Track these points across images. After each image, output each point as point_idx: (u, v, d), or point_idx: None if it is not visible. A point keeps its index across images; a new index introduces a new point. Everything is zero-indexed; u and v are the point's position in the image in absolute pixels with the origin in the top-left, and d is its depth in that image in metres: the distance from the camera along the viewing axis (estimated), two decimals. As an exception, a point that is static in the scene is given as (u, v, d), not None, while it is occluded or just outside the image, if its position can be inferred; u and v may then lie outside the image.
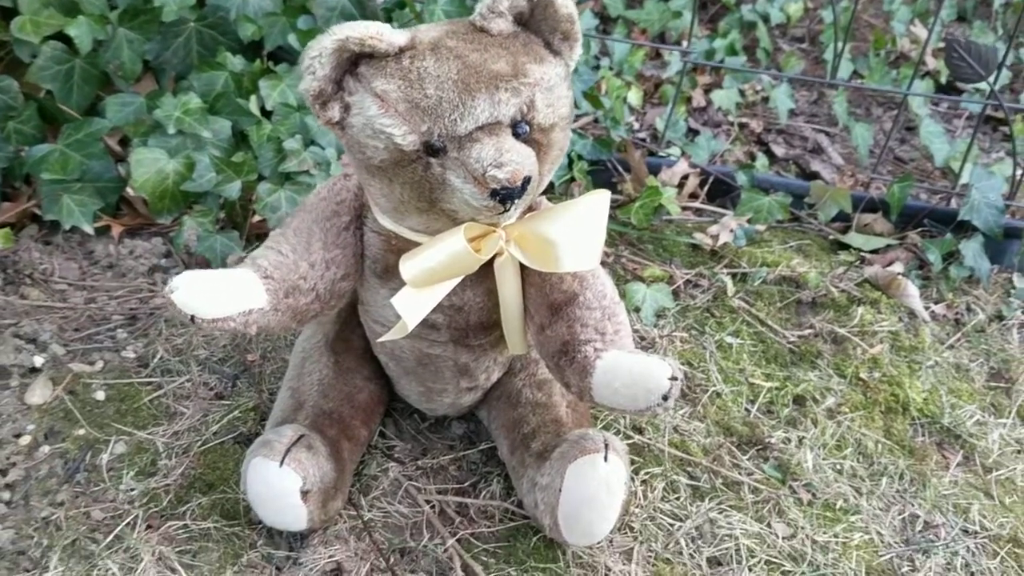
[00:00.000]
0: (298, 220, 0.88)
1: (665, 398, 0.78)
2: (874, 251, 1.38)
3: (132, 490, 0.97)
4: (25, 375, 1.09)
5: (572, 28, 0.80)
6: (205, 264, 1.25)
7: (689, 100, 1.83)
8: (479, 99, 0.75)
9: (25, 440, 1.02)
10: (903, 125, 1.87)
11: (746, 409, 1.13)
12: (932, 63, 1.99)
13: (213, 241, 1.24)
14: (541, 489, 0.92)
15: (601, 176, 1.46)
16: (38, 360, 1.11)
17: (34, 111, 1.35)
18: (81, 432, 1.03)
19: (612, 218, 1.38)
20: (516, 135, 0.78)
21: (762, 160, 1.53)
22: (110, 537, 0.92)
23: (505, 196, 0.76)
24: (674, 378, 0.78)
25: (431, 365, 0.97)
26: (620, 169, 1.45)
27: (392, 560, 0.93)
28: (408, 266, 0.81)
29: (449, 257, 0.80)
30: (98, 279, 1.25)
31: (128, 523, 0.93)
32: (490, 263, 0.86)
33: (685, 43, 1.56)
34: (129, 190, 1.30)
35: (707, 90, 1.86)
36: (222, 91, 1.38)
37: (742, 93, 1.77)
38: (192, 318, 0.76)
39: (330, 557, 0.92)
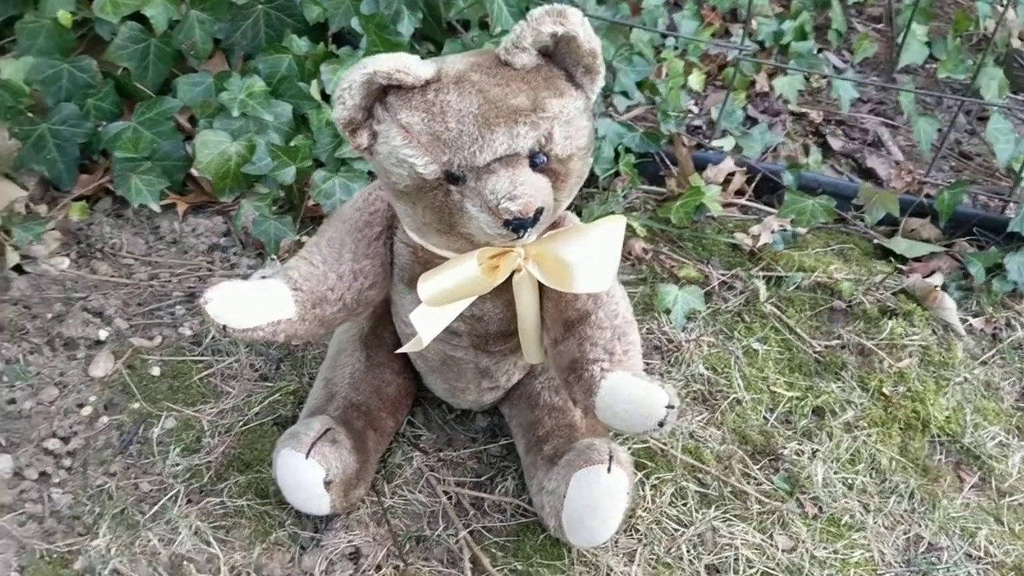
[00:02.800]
0: (332, 230, 0.94)
1: (661, 424, 0.82)
2: (918, 258, 1.37)
3: (177, 465, 1.06)
4: (91, 347, 1.19)
5: (594, 63, 0.82)
6: (260, 247, 1.32)
7: (752, 84, 1.82)
8: (498, 133, 0.79)
9: (87, 411, 1.11)
10: (976, 116, 1.81)
11: (764, 418, 1.15)
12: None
13: (268, 225, 1.31)
14: (548, 493, 0.97)
15: (648, 169, 1.47)
16: (103, 333, 1.20)
17: (112, 88, 1.43)
18: (136, 406, 1.12)
19: (653, 215, 1.40)
20: (534, 165, 0.82)
21: (815, 156, 1.52)
22: (154, 509, 1.01)
23: (517, 226, 0.80)
24: (671, 406, 0.82)
25: (454, 366, 1.02)
26: (668, 162, 1.46)
27: (407, 547, 1.00)
28: (424, 287, 0.86)
29: (463, 280, 0.85)
30: (162, 255, 1.33)
31: (171, 496, 1.02)
32: (509, 277, 0.90)
33: (740, 36, 1.54)
34: (194, 170, 1.37)
35: (771, 75, 1.83)
36: (285, 74, 1.44)
37: (807, 79, 1.74)
38: (224, 328, 0.83)
39: (349, 541, 0.99)
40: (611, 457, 0.93)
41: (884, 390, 1.18)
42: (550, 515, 0.97)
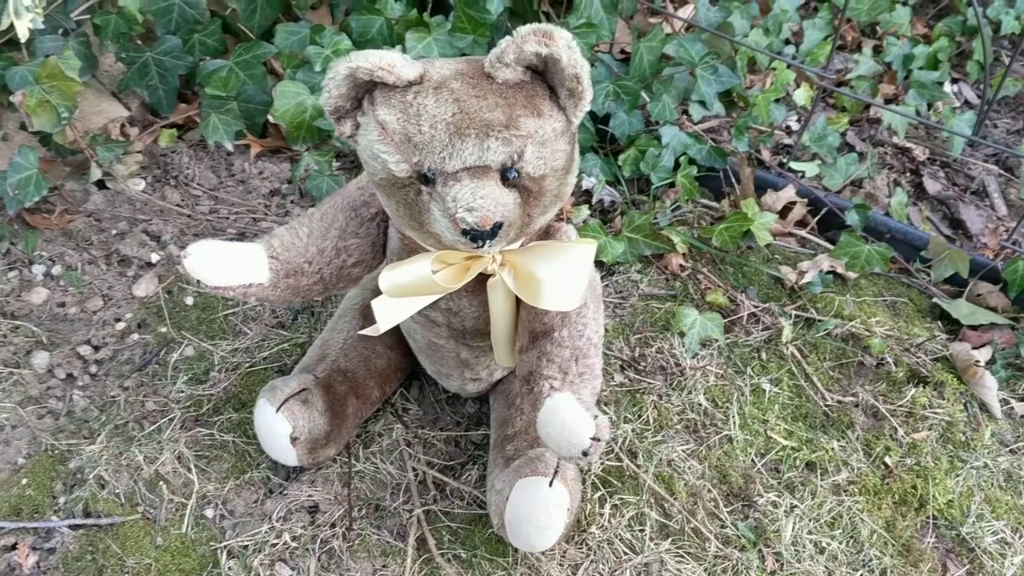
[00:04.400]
0: (329, 204, 0.98)
1: (585, 454, 0.83)
2: (975, 326, 1.28)
3: (182, 392, 1.15)
4: (141, 267, 1.30)
5: (577, 87, 0.82)
6: (313, 199, 1.39)
7: (867, 108, 1.72)
8: (468, 143, 0.80)
9: (121, 325, 1.22)
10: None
11: (752, 461, 1.13)
12: None
13: (321, 181, 1.37)
14: (496, 492, 0.99)
15: (712, 184, 1.43)
16: (155, 257, 1.30)
17: (218, 27, 1.52)
18: (163, 330, 1.22)
19: (695, 235, 1.36)
20: (505, 179, 0.83)
21: (900, 197, 1.43)
22: (150, 428, 1.10)
23: (475, 236, 0.82)
24: (596, 439, 0.83)
25: (438, 352, 1.06)
26: (735, 180, 1.42)
27: (363, 513, 1.05)
28: (383, 277, 0.89)
29: (416, 278, 0.87)
30: (229, 192, 1.42)
31: (169, 419, 1.11)
32: (485, 279, 0.92)
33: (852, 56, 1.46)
34: (270, 116, 1.45)
35: (889, 99, 1.73)
36: (375, 36, 1.48)
37: (917, 112, 1.63)
38: (198, 282, 0.89)
39: (310, 496, 1.05)
40: (556, 472, 0.95)
41: (887, 459, 1.13)
42: (495, 513, 0.99)
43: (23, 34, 1.34)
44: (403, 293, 0.89)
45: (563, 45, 0.79)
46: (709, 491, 1.09)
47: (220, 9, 1.56)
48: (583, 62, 0.81)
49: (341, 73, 0.82)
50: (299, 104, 1.43)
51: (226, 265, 0.90)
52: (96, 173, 1.37)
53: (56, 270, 1.27)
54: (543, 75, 0.83)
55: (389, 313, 0.91)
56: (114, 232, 1.33)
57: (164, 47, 1.46)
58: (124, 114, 1.49)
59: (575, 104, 0.83)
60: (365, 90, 0.84)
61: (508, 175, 0.82)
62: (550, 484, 0.94)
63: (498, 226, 0.82)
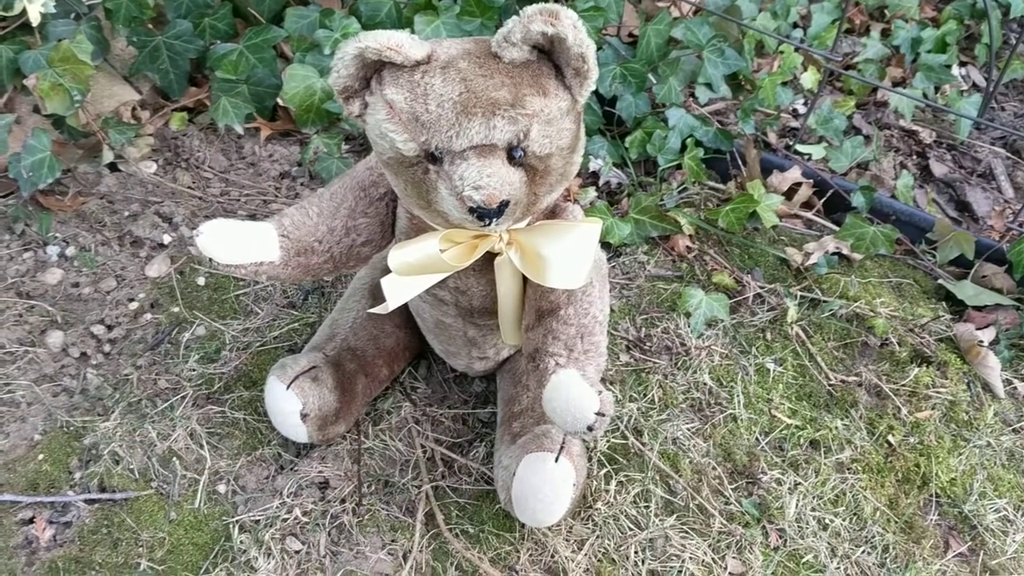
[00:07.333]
0: (339, 184, 1.00)
1: (590, 429, 0.84)
2: (980, 307, 1.29)
3: (194, 371, 1.16)
4: (154, 248, 1.31)
5: (583, 66, 0.82)
6: (322, 181, 1.40)
7: (874, 91, 1.72)
8: (474, 122, 0.81)
9: (134, 305, 1.24)
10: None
11: (756, 440, 1.14)
12: None
13: (330, 163, 1.39)
14: (503, 468, 1.01)
15: (719, 166, 1.44)
16: (167, 238, 1.32)
17: (228, 11, 1.54)
18: (176, 310, 1.23)
19: (702, 216, 1.37)
20: (511, 158, 0.84)
21: (905, 179, 1.43)
22: (163, 406, 1.12)
23: (482, 214, 0.83)
24: (601, 414, 0.84)
25: (446, 331, 1.07)
26: (741, 162, 1.43)
27: (373, 488, 1.07)
28: (392, 255, 0.90)
29: (424, 257, 0.88)
30: (239, 174, 1.44)
31: (181, 397, 1.13)
32: (493, 258, 0.94)
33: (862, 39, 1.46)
34: (279, 99, 1.46)
35: (896, 83, 1.73)
36: (384, 19, 1.49)
37: (937, 89, 1.63)
38: (210, 260, 0.91)
39: (320, 472, 1.07)
40: (562, 448, 0.96)
41: (890, 438, 1.14)
42: (502, 488, 1.01)
43: (35, 18, 1.35)
44: (411, 271, 0.91)
45: (569, 24, 0.80)
46: (713, 469, 1.11)
47: (230, -7, 1.57)
48: (589, 42, 0.82)
49: (350, 53, 0.83)
50: (308, 87, 1.44)
51: (237, 243, 0.91)
52: (108, 156, 1.39)
53: (70, 251, 1.29)
54: (549, 55, 0.84)
55: (398, 291, 0.93)
56: (126, 214, 1.34)
57: (175, 31, 1.48)
58: (136, 97, 1.51)
59: (581, 83, 0.84)
60: (374, 70, 0.85)
61: (514, 154, 0.83)
62: (556, 460, 0.96)
63: (504, 204, 0.83)
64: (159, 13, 1.52)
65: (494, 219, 0.84)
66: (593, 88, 0.85)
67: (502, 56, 0.83)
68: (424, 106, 0.82)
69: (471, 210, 0.82)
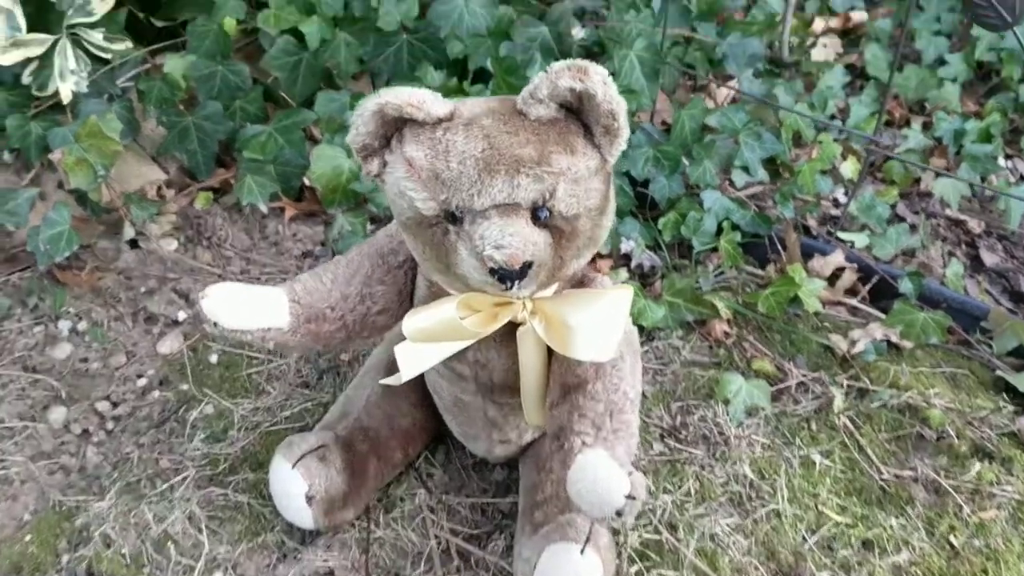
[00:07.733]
0: (356, 250, 0.95)
1: (619, 514, 0.76)
2: (1043, 401, 1.19)
3: (197, 450, 1.10)
4: (167, 325, 1.27)
5: (613, 124, 0.78)
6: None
7: (917, 182, 1.67)
8: (497, 179, 0.76)
9: (142, 382, 1.19)
10: None
11: (803, 538, 1.04)
12: None
13: (354, 242, 1.34)
14: (523, 561, 0.92)
15: (756, 251, 1.38)
16: (181, 315, 1.28)
17: (259, 93, 1.54)
18: (185, 387, 1.18)
19: (740, 300, 1.30)
20: (536, 218, 0.78)
21: (955, 268, 1.36)
22: (163, 487, 1.05)
23: (504, 276, 0.77)
24: (632, 497, 0.76)
25: (465, 410, 1.00)
26: (780, 247, 1.37)
27: (380, 582, 0.98)
28: (407, 321, 0.84)
29: (440, 322, 0.82)
30: (262, 253, 1.40)
31: (182, 478, 1.06)
32: (515, 328, 0.87)
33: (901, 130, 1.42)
34: (305, 179, 1.44)
35: (939, 174, 1.67)
36: (413, 101, 1.48)
37: (971, 186, 1.57)
38: (215, 324, 0.85)
39: (325, 561, 0.99)
40: (588, 539, 0.88)
41: (952, 539, 1.03)
42: (521, 584, 0.92)
43: (67, 96, 1.36)
44: (427, 338, 0.85)
45: (599, 80, 0.75)
46: (756, 568, 1.01)
47: (262, 77, 1.58)
48: (619, 99, 0.77)
49: (369, 109, 0.79)
50: (336, 167, 1.42)
51: (245, 307, 0.86)
52: (129, 232, 1.37)
53: (82, 326, 1.25)
54: (578, 113, 0.80)
55: (412, 361, 0.86)
56: (143, 290, 1.31)
57: (205, 112, 1.47)
58: (162, 177, 1.49)
59: (611, 142, 0.79)
60: (394, 128, 0.81)
61: (539, 214, 0.78)
62: (581, 551, 0.87)
63: (528, 266, 0.77)
64: (190, 95, 1.52)
65: (516, 282, 0.78)
66: (624, 147, 0.80)
67: (528, 113, 0.78)
68: (445, 163, 0.77)
69: (492, 271, 0.77)
